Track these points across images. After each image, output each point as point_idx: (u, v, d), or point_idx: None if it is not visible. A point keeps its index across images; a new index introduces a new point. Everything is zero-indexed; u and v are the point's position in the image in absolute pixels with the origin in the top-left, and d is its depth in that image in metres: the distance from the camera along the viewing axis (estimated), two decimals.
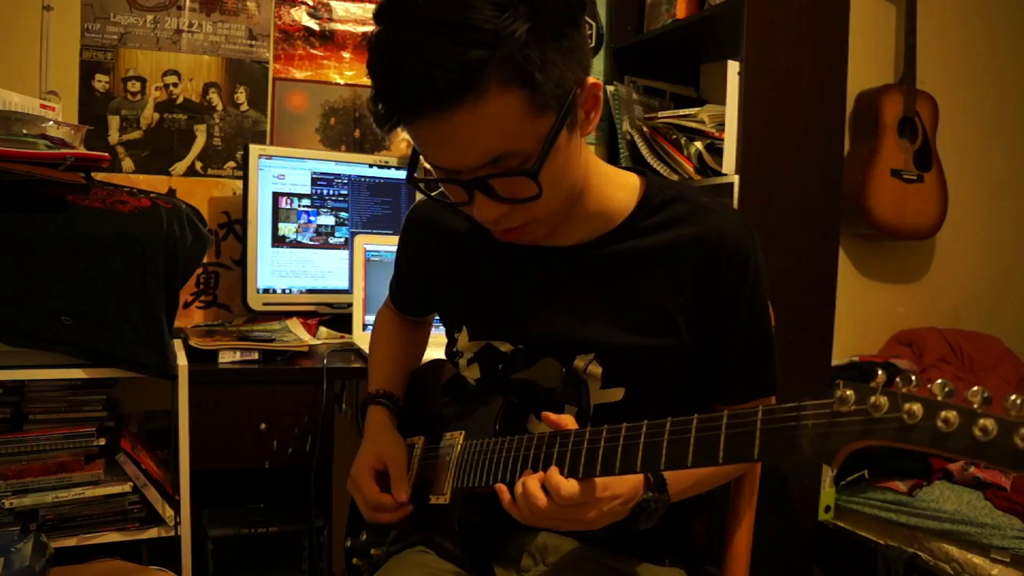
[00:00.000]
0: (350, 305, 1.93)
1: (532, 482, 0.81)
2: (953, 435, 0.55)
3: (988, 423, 0.53)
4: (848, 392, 0.61)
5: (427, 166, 0.87)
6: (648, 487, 0.85)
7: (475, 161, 0.80)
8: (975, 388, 0.55)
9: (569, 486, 0.78)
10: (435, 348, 1.23)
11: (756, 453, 0.67)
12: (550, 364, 0.97)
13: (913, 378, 0.59)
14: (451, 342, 1.10)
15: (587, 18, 2.40)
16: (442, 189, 0.90)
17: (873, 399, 0.59)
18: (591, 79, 0.85)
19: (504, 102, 0.76)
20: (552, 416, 0.85)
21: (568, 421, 0.85)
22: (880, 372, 0.60)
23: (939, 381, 0.57)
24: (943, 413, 0.55)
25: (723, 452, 0.70)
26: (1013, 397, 0.53)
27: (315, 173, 1.99)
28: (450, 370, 1.12)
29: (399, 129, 0.81)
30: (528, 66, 0.76)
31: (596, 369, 0.95)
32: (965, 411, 0.55)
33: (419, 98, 0.76)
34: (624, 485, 0.83)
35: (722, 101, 1.95)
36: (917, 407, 0.57)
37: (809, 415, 0.63)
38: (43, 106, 1.67)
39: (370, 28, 0.82)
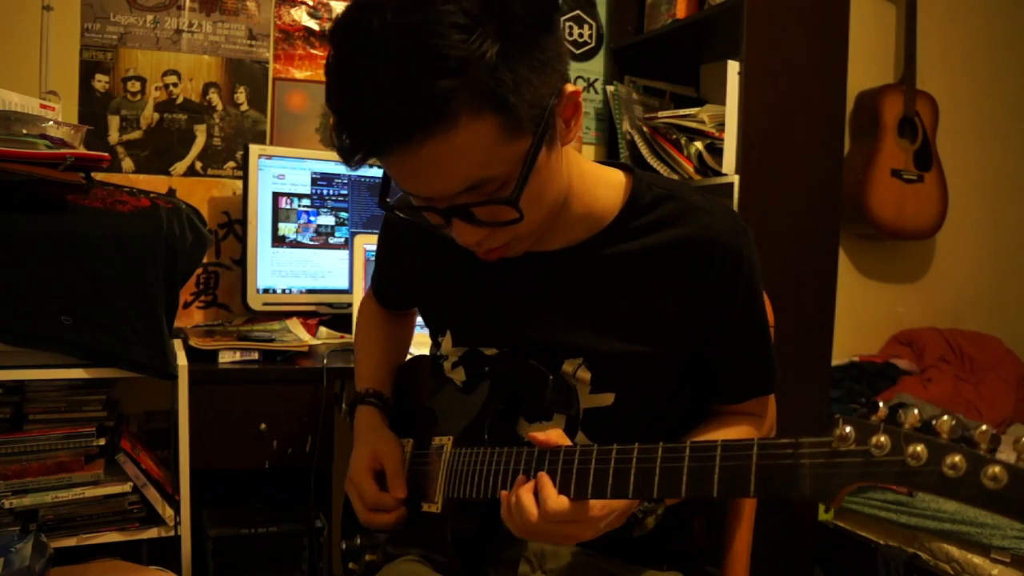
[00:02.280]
0: (350, 305, 1.93)
1: (525, 493, 0.79)
2: (961, 483, 0.52)
3: (997, 471, 0.51)
4: (847, 429, 0.58)
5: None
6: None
7: (450, 190, 0.76)
8: (983, 428, 0.52)
9: (558, 502, 0.77)
10: (421, 348, 1.22)
11: (752, 489, 0.65)
12: (537, 369, 0.94)
13: (916, 412, 0.56)
14: (435, 345, 1.07)
15: (587, 18, 2.40)
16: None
17: (874, 439, 0.57)
18: (569, 87, 0.80)
19: (476, 130, 0.72)
20: (539, 436, 0.83)
21: (556, 436, 0.83)
22: (881, 406, 0.58)
23: (945, 417, 0.54)
24: (949, 459, 0.53)
25: (717, 486, 0.68)
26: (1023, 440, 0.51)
27: (315, 173, 1.99)
28: (437, 368, 1.10)
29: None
30: (500, 90, 0.71)
31: (585, 374, 0.93)
32: (972, 456, 0.52)
33: (385, 134, 0.72)
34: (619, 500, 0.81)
35: (722, 101, 1.95)
36: (921, 449, 0.54)
37: (806, 453, 0.61)
38: (43, 106, 1.67)
39: None
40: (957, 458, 0.52)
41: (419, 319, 1.23)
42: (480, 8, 0.70)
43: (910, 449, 0.55)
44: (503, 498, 0.82)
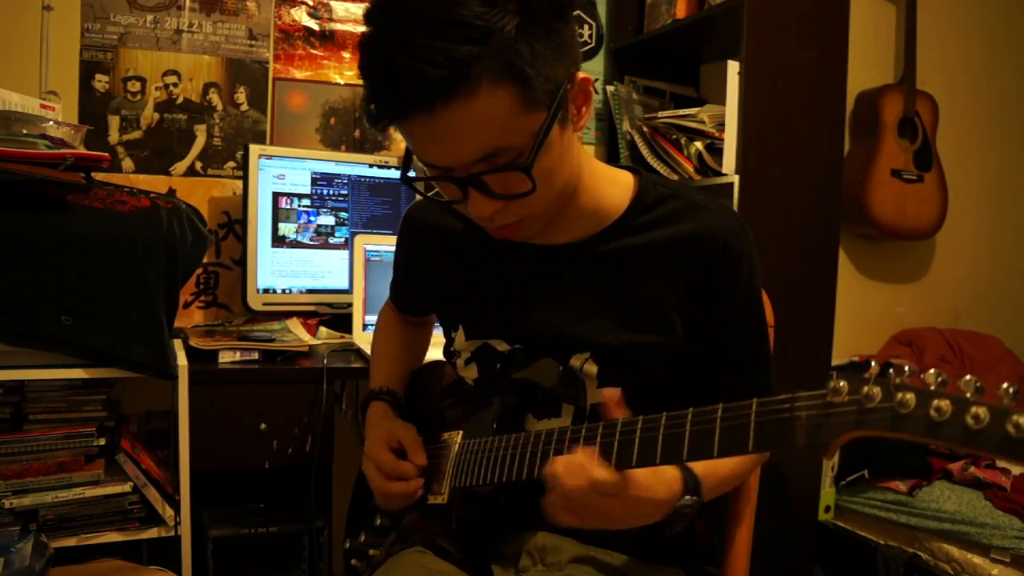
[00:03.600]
0: (350, 305, 1.93)
1: (585, 455, 0.78)
2: (946, 423, 0.55)
3: (980, 411, 0.54)
4: (841, 383, 0.61)
5: (420, 166, 0.87)
6: (686, 490, 0.84)
7: (468, 158, 0.80)
8: (968, 377, 0.56)
9: (607, 470, 0.76)
10: (436, 348, 1.23)
11: (751, 445, 0.68)
12: (548, 363, 0.97)
13: (907, 369, 0.59)
14: (448, 341, 1.10)
15: (587, 18, 2.40)
16: (437, 188, 0.90)
17: (866, 389, 0.60)
18: (581, 74, 0.85)
19: (495, 97, 0.77)
20: (607, 392, 0.82)
21: (615, 407, 0.82)
22: (873, 364, 0.61)
23: (932, 371, 0.58)
24: (936, 402, 0.56)
25: (718, 445, 0.70)
26: (1005, 385, 0.54)
27: (315, 173, 1.99)
28: (451, 373, 1.12)
29: (392, 129, 0.82)
30: (518, 61, 0.76)
31: (592, 368, 0.95)
32: (958, 400, 0.55)
33: (411, 96, 0.76)
34: (667, 489, 0.81)
35: (722, 101, 1.95)
36: (910, 397, 0.57)
37: (803, 406, 0.64)
38: (43, 106, 1.67)
39: None
40: (944, 402, 0.55)
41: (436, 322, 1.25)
42: None
43: (899, 397, 0.58)
44: (552, 464, 0.80)
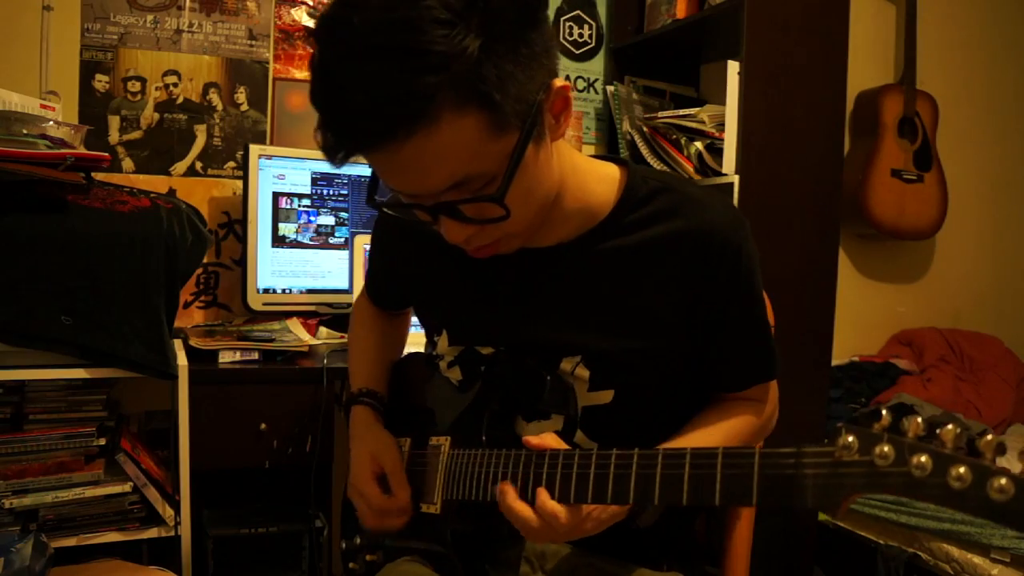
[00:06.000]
0: (350, 305, 1.93)
1: (514, 503, 0.81)
2: (967, 494, 0.51)
3: (1004, 483, 0.50)
4: (851, 439, 0.58)
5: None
6: None
7: (436, 187, 0.75)
8: (988, 438, 0.52)
9: (556, 509, 0.79)
10: (416, 348, 1.21)
11: (754, 499, 0.65)
12: (534, 368, 0.94)
13: (919, 421, 0.55)
14: (431, 344, 1.07)
15: (587, 17, 2.40)
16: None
17: (878, 449, 0.56)
18: (558, 81, 0.78)
19: (460, 126, 0.70)
20: (534, 440, 0.84)
21: (551, 440, 0.84)
22: (884, 413, 0.57)
23: (950, 427, 0.53)
24: (954, 470, 0.52)
25: (719, 494, 0.67)
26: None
27: (315, 173, 1.99)
28: (434, 366, 1.09)
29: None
30: (484, 86, 0.70)
31: (584, 372, 0.92)
32: (978, 467, 0.51)
33: (368, 131, 0.71)
34: None
35: (722, 101, 1.95)
36: (926, 459, 0.53)
37: (809, 463, 0.61)
38: (43, 106, 1.67)
39: None
40: (962, 469, 0.52)
41: (415, 319, 1.22)
42: (462, 3, 0.68)
43: (914, 460, 0.54)
44: (503, 492, 0.83)
